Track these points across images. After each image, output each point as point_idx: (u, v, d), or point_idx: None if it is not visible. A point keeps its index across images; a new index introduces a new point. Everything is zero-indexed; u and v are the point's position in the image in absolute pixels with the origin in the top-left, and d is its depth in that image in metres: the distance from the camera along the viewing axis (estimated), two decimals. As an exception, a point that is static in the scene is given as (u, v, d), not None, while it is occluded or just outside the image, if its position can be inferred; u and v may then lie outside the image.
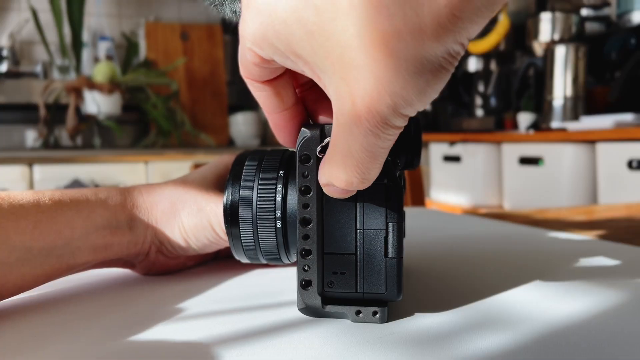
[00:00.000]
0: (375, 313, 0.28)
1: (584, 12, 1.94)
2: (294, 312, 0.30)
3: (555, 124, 1.83)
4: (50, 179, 1.98)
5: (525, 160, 1.78)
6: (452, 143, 2.07)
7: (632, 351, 0.25)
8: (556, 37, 1.91)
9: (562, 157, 1.64)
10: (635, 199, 1.36)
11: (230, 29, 2.69)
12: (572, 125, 1.69)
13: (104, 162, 2.07)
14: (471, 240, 0.51)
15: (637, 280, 0.36)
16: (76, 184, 1.95)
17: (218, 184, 0.38)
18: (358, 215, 0.28)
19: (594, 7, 1.92)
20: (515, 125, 2.06)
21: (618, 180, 1.47)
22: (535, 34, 1.96)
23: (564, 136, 1.65)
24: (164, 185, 0.37)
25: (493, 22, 2.12)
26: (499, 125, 2.15)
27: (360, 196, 0.28)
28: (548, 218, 0.68)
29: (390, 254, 0.28)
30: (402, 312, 0.30)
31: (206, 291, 0.35)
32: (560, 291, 0.34)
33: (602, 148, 1.54)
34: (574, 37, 1.89)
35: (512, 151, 1.84)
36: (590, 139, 1.57)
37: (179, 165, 2.15)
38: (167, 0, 2.69)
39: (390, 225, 0.27)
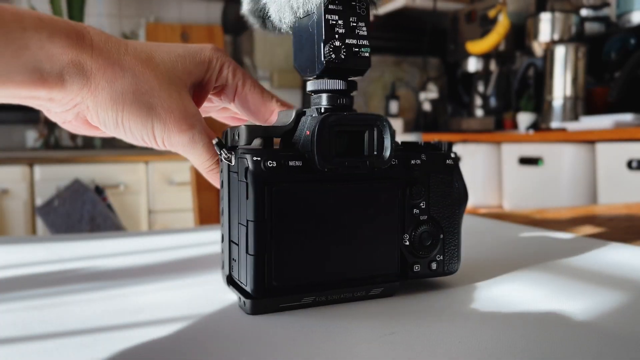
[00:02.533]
0: (244, 303, 0.30)
1: (584, 12, 1.94)
2: (294, 312, 0.30)
3: (554, 124, 1.83)
4: (50, 179, 1.98)
5: (525, 161, 1.78)
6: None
7: (632, 351, 0.25)
8: (556, 37, 1.91)
9: (561, 157, 1.64)
10: (635, 199, 1.36)
11: (230, 30, 2.69)
12: (571, 126, 1.69)
13: (105, 162, 2.07)
14: (471, 240, 0.51)
15: (637, 280, 0.36)
16: (77, 184, 1.95)
17: (186, 84, 0.34)
18: (241, 207, 0.30)
19: (594, 7, 1.92)
20: (514, 126, 2.06)
21: (617, 181, 1.47)
22: (535, 34, 1.96)
23: (564, 136, 1.65)
24: (129, 57, 0.32)
25: (493, 22, 2.12)
26: (498, 125, 2.15)
27: (234, 191, 0.31)
28: (548, 218, 0.68)
29: (249, 251, 0.29)
30: (402, 312, 0.30)
31: (206, 290, 0.35)
32: (561, 291, 0.34)
33: (601, 148, 1.54)
34: (574, 37, 1.89)
35: (511, 151, 1.84)
36: (589, 139, 1.57)
37: (179, 165, 2.15)
38: (167, 0, 2.69)
39: (248, 222, 0.29)
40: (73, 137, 2.31)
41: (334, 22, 0.30)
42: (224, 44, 2.67)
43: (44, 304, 0.32)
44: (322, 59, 0.30)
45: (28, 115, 2.34)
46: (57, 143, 2.35)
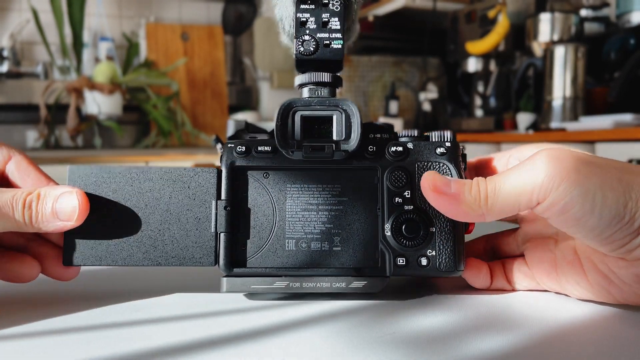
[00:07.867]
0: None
1: (583, 12, 1.93)
2: (295, 312, 0.30)
3: (554, 124, 1.83)
4: (50, 179, 1.97)
5: (525, 161, 1.78)
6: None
7: (633, 352, 0.25)
8: (555, 37, 1.91)
9: (561, 158, 1.64)
10: (634, 199, 1.36)
11: (230, 30, 2.69)
12: (571, 126, 1.69)
13: (105, 163, 2.07)
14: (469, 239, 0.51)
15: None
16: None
17: None
18: None
19: (593, 7, 1.92)
20: (514, 126, 2.06)
21: (617, 181, 1.47)
22: (534, 34, 1.96)
23: (564, 136, 1.65)
24: None
25: (493, 22, 2.12)
26: (498, 125, 2.15)
27: None
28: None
29: (217, 229, 0.32)
30: (402, 312, 0.30)
31: (205, 289, 0.35)
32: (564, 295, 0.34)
33: (601, 148, 1.54)
34: (573, 37, 1.89)
35: (511, 151, 1.84)
36: (589, 140, 1.57)
37: (179, 166, 2.14)
38: (167, 1, 2.69)
39: (218, 203, 0.32)
40: (73, 137, 2.31)
41: (305, 20, 0.32)
42: (224, 44, 2.67)
43: (37, 301, 0.32)
44: (294, 52, 0.32)
45: (28, 115, 2.34)
46: (57, 143, 2.35)
